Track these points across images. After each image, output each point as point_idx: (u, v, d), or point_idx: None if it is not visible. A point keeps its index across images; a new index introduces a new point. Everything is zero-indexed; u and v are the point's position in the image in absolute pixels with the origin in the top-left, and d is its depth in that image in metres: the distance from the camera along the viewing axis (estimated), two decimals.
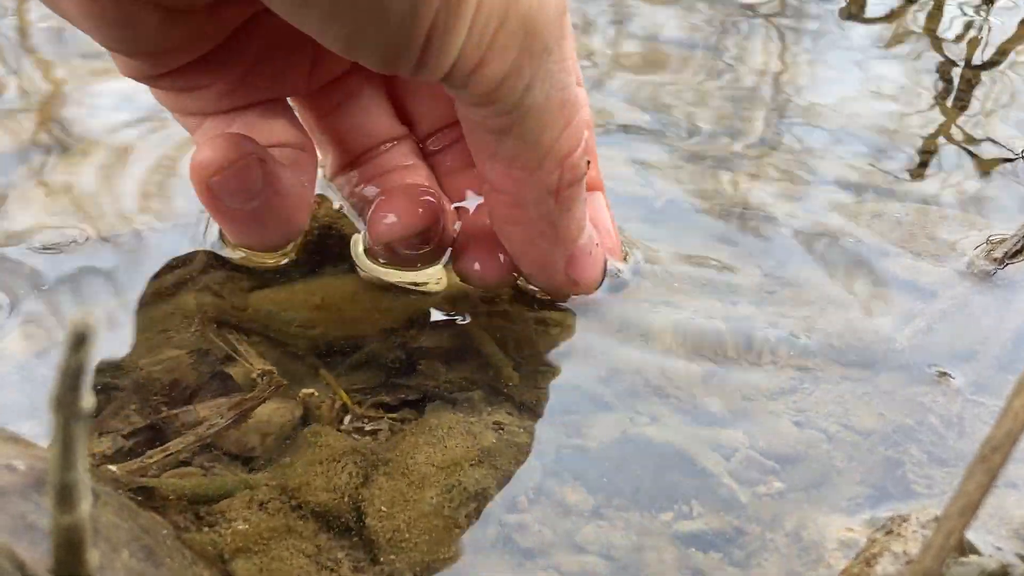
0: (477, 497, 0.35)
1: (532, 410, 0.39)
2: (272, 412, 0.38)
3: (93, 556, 0.18)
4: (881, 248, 0.51)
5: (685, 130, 0.59)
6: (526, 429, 0.38)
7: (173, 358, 0.40)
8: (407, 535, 0.33)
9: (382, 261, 0.42)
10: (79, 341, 0.15)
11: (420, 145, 0.39)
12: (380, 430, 0.38)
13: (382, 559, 0.32)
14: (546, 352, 0.42)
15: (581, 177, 0.30)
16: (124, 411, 0.37)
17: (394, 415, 0.39)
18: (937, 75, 0.67)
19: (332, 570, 0.32)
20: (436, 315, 0.44)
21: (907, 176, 0.58)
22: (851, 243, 0.51)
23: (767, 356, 0.43)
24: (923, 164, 0.59)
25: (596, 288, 0.36)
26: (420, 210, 0.34)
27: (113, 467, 0.34)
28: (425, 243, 0.35)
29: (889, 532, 0.34)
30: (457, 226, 0.38)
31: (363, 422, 0.38)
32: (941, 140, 0.61)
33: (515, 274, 0.37)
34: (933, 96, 0.65)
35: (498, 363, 0.41)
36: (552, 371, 0.41)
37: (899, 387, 0.41)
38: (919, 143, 0.61)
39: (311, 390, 0.39)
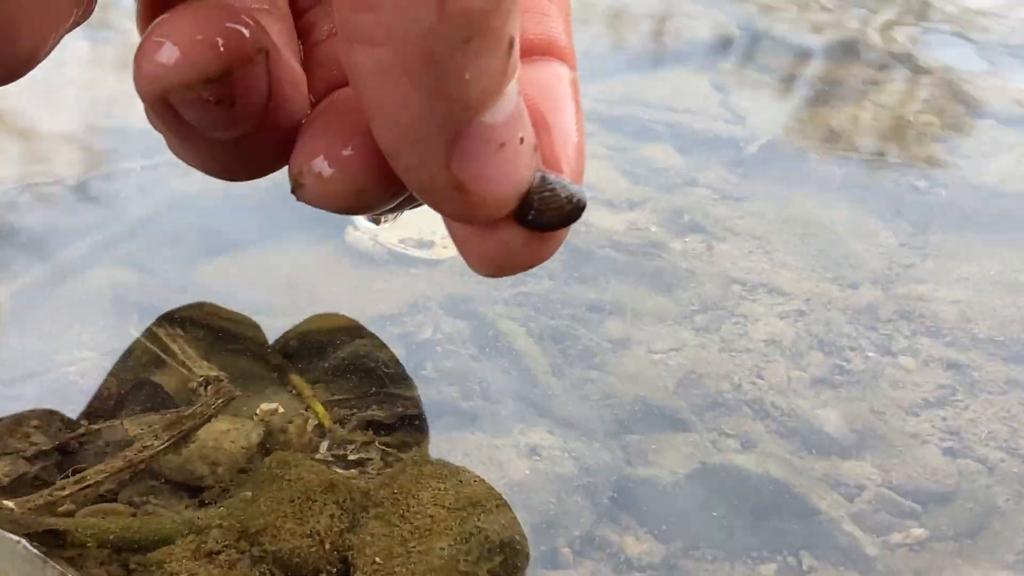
0: (504, 548, 0.34)
1: (579, 428, 0.39)
2: (221, 435, 0.38)
3: None
4: None
5: (788, 45, 0.58)
6: (571, 455, 0.38)
7: (86, 359, 0.39)
8: None
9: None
10: None
11: None
12: (370, 459, 0.38)
13: None
14: (598, 347, 0.42)
15: None
16: (24, 427, 0.37)
17: (389, 438, 0.39)
18: None
19: None
20: (448, 295, 0.43)
21: None
22: (1018, 200, 0.50)
23: (905, 353, 0.43)
24: None
25: (503, 209, 0.26)
26: (219, 40, 0.27)
27: (10, 503, 0.34)
28: (227, 100, 0.28)
29: None
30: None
31: (346, 448, 0.38)
32: None
33: (385, 185, 0.28)
34: None
35: (533, 363, 0.41)
36: (606, 374, 0.41)
37: None
38: None
39: (274, 405, 0.39)
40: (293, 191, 0.29)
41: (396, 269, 0.44)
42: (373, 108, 0.25)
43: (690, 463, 0.38)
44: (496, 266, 0.28)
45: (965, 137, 0.53)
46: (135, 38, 0.29)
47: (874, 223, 0.49)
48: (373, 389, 0.40)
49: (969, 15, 0.60)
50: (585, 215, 0.48)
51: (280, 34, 0.31)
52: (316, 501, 0.35)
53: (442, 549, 0.34)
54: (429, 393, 0.40)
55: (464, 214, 0.27)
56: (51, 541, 0.33)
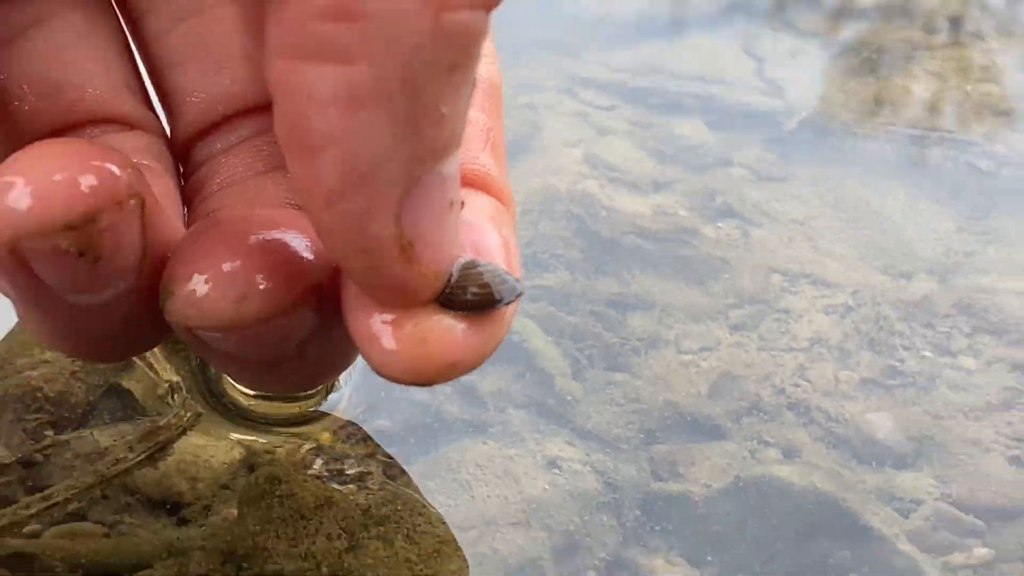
0: (521, 572, 0.35)
1: (603, 439, 0.39)
2: (199, 448, 0.37)
3: None
4: None
5: (827, 5, 0.58)
6: (594, 468, 0.38)
7: (49, 362, 0.39)
8: None
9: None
10: None
11: (181, 148, 0.34)
12: (369, 473, 0.37)
13: None
14: (622, 347, 0.42)
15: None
16: None
17: (391, 449, 0.38)
18: None
19: None
20: None
21: None
22: None
23: (965, 353, 0.42)
24: None
25: (437, 285, 0.26)
26: (83, 179, 0.25)
27: None
28: (91, 253, 0.26)
29: None
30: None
31: (343, 462, 0.38)
32: None
33: (271, 299, 0.27)
34: None
35: (550, 365, 0.41)
36: (631, 376, 0.41)
37: None
38: None
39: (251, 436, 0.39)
40: (161, 306, 0.27)
41: None
42: (322, 139, 0.23)
43: (725, 476, 0.38)
44: (420, 367, 0.27)
45: None
46: None
47: (929, 206, 0.49)
48: (382, 395, 0.40)
49: None
50: (607, 199, 0.50)
51: (163, 192, 0.30)
52: (311, 520, 0.35)
53: (452, 573, 0.34)
54: (435, 399, 0.40)
55: (398, 288, 0.25)
56: (17, 565, 0.33)
